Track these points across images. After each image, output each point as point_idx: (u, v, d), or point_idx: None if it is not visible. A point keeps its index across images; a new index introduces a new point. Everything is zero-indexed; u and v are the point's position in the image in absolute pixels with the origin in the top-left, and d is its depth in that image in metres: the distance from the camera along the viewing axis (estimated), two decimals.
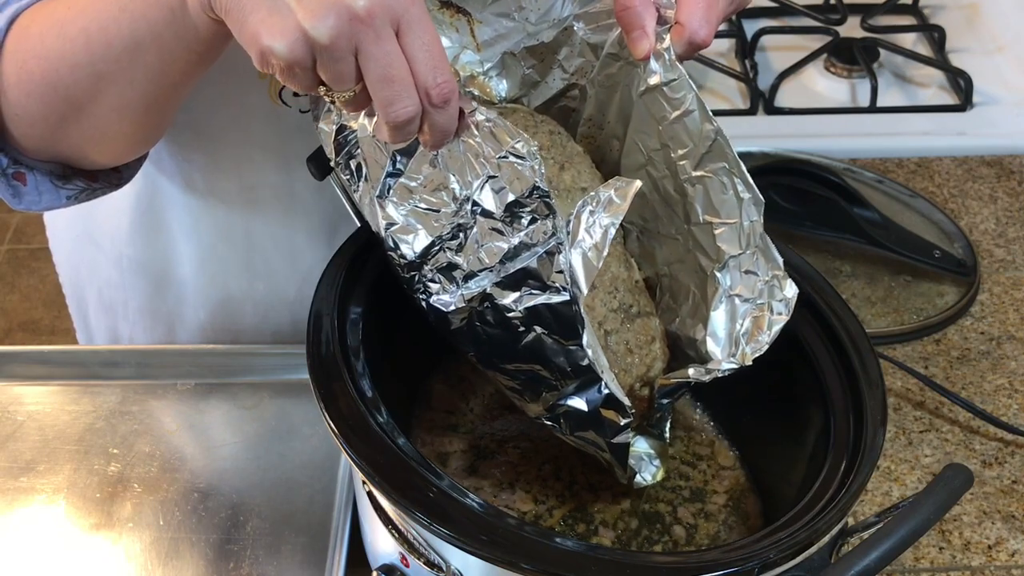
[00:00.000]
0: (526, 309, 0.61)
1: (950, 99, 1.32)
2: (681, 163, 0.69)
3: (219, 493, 0.84)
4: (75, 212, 0.98)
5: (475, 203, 0.61)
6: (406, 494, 0.59)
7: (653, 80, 0.68)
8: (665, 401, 0.71)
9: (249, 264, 0.94)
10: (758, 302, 0.69)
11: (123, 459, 0.86)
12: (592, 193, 0.61)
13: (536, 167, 0.59)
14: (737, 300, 0.69)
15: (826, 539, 0.59)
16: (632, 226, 0.76)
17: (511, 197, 0.60)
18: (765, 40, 1.40)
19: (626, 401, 0.63)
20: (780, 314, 0.68)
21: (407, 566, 0.66)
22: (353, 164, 0.66)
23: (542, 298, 0.60)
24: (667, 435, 0.75)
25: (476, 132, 0.60)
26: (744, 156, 1.18)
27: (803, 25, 1.41)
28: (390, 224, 0.64)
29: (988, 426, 0.92)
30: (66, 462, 0.86)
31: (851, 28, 1.40)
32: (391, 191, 0.64)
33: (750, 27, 1.42)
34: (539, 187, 0.59)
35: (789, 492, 0.70)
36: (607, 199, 0.61)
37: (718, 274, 0.69)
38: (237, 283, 0.96)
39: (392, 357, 0.73)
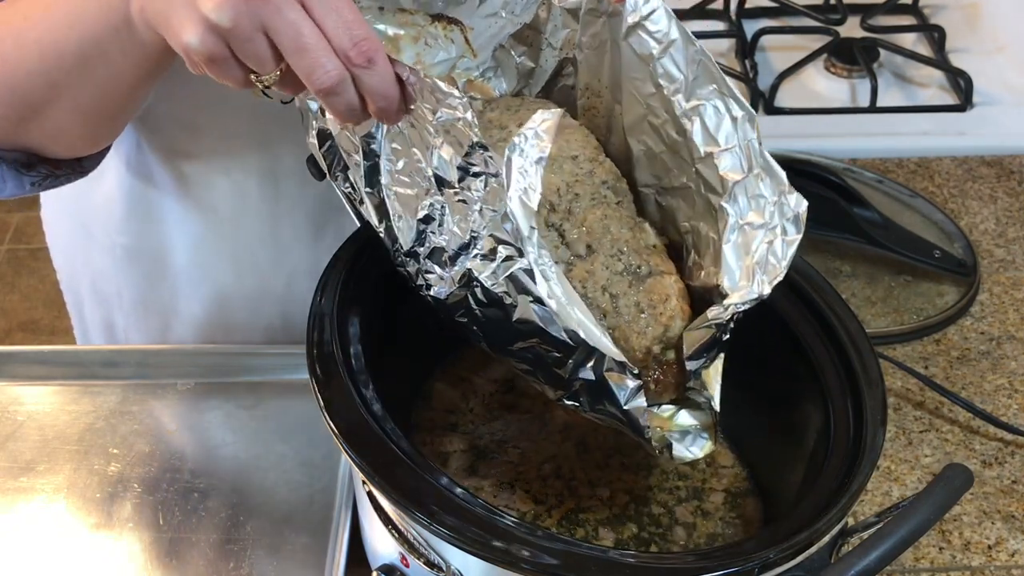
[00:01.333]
0: (507, 279, 0.60)
1: (950, 99, 1.32)
2: (675, 99, 0.68)
3: (219, 493, 0.84)
4: (70, 204, 0.99)
5: (437, 177, 0.60)
6: (406, 494, 0.59)
7: (632, 19, 0.68)
8: (696, 363, 0.66)
9: (237, 258, 0.96)
10: (770, 226, 0.66)
11: (123, 459, 0.86)
12: (518, 135, 0.59)
13: (469, 119, 0.57)
14: (748, 229, 0.66)
15: (826, 539, 0.60)
16: (648, 189, 0.75)
17: (458, 160, 0.59)
18: (765, 40, 1.40)
19: (613, 350, 0.61)
20: (792, 234, 0.66)
21: (407, 566, 0.66)
22: (346, 173, 0.67)
23: (519, 263, 0.59)
24: (716, 405, 0.67)
25: (422, 97, 0.59)
26: None
27: (803, 25, 1.41)
28: (381, 217, 0.64)
29: (988, 426, 0.92)
30: (66, 462, 0.86)
31: (851, 28, 1.40)
32: (375, 183, 0.64)
33: (750, 27, 1.42)
34: (476, 142, 0.58)
35: (789, 492, 0.70)
36: (533, 135, 0.59)
37: (726, 206, 0.67)
38: (227, 277, 0.97)
39: (392, 357, 0.73)
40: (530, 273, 0.59)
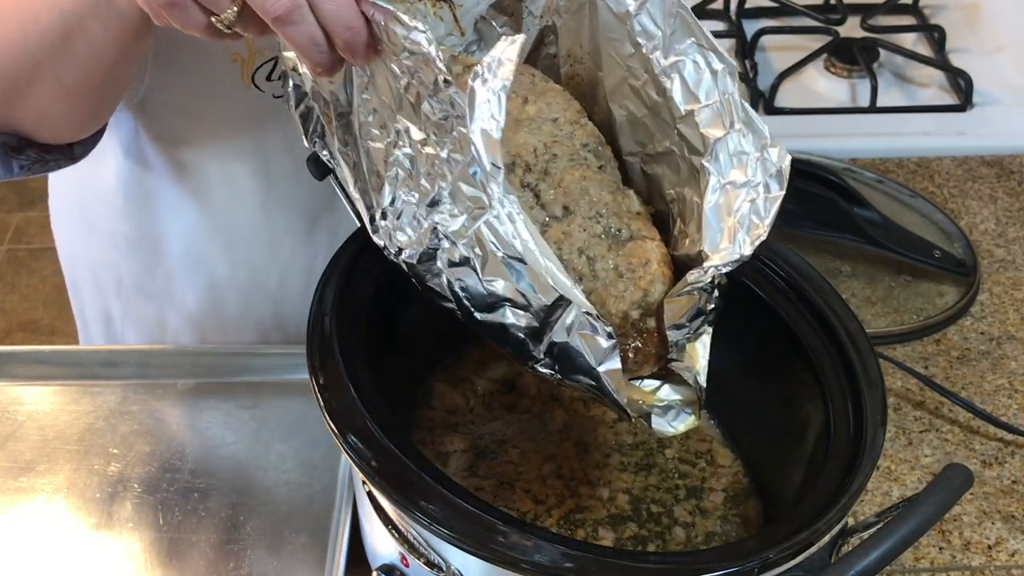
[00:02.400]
0: (474, 233, 0.57)
1: (950, 99, 1.32)
2: (654, 57, 0.66)
3: (219, 493, 0.84)
4: (72, 196, 1.01)
5: (406, 126, 0.59)
6: (406, 494, 0.59)
7: None
8: (678, 334, 0.63)
9: (230, 250, 0.96)
10: (753, 184, 0.63)
11: (123, 459, 0.86)
12: (480, 65, 0.57)
13: (432, 54, 0.55)
14: (731, 188, 0.63)
15: (826, 539, 0.59)
16: (633, 158, 0.72)
17: (426, 105, 0.57)
18: (765, 40, 1.40)
19: (584, 301, 0.58)
20: (775, 191, 0.63)
21: (407, 566, 0.66)
22: (323, 137, 0.65)
23: (487, 214, 0.57)
24: (701, 380, 0.64)
25: (388, 38, 0.57)
26: None
27: (803, 25, 1.42)
28: (356, 178, 0.62)
29: (988, 426, 0.92)
30: (66, 462, 0.86)
31: (851, 28, 1.40)
32: (348, 140, 0.62)
33: (750, 27, 1.42)
34: (442, 79, 0.56)
35: (789, 492, 0.70)
36: (495, 63, 0.57)
37: (708, 165, 0.64)
38: (220, 268, 0.97)
39: (392, 357, 0.73)
40: (498, 220, 0.56)
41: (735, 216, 0.63)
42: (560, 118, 0.69)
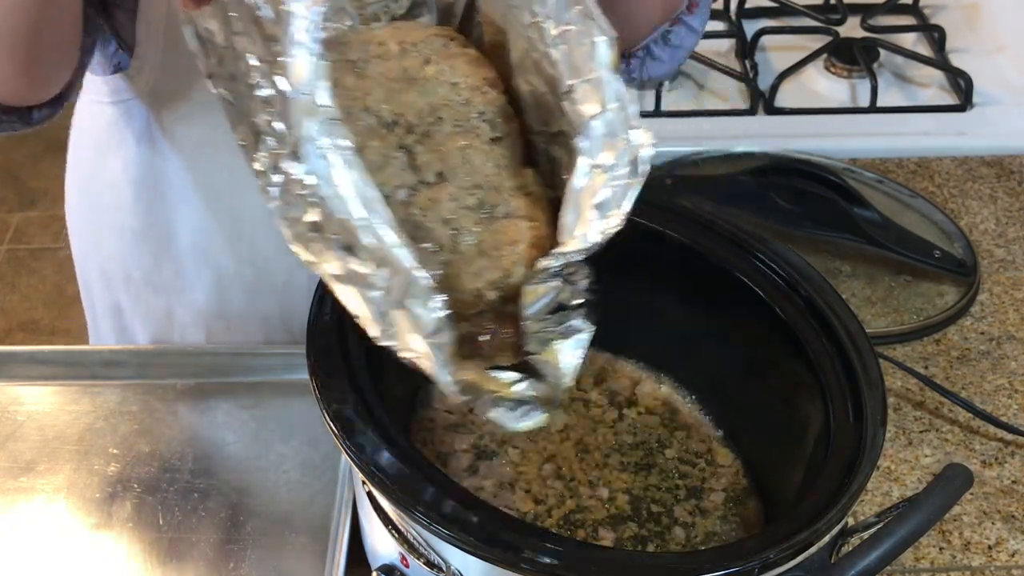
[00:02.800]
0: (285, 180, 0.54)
1: (950, 99, 1.32)
2: (546, 27, 0.61)
3: (219, 493, 0.84)
4: (85, 191, 1.01)
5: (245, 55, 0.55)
6: (406, 494, 0.59)
7: None
8: (538, 326, 0.58)
9: (238, 244, 0.97)
10: (618, 167, 0.58)
11: (123, 459, 0.86)
12: None
13: None
14: (597, 172, 0.58)
15: (826, 539, 0.59)
16: (538, 138, 0.66)
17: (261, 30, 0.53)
18: (765, 40, 1.40)
19: (407, 259, 0.53)
20: (632, 178, 0.57)
21: (407, 566, 0.66)
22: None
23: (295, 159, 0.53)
24: (564, 384, 0.59)
25: None
26: (744, 156, 1.20)
27: (803, 25, 1.41)
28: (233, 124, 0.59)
29: (988, 426, 0.92)
30: (66, 462, 0.86)
31: (851, 28, 1.40)
32: (218, 83, 0.60)
33: (750, 27, 1.42)
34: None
35: (789, 492, 0.70)
36: None
37: (580, 145, 0.58)
38: (227, 263, 0.98)
39: (392, 356, 0.73)
40: (305, 163, 0.52)
41: (595, 200, 0.57)
42: (461, 83, 0.65)
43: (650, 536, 0.73)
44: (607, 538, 0.72)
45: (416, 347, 0.55)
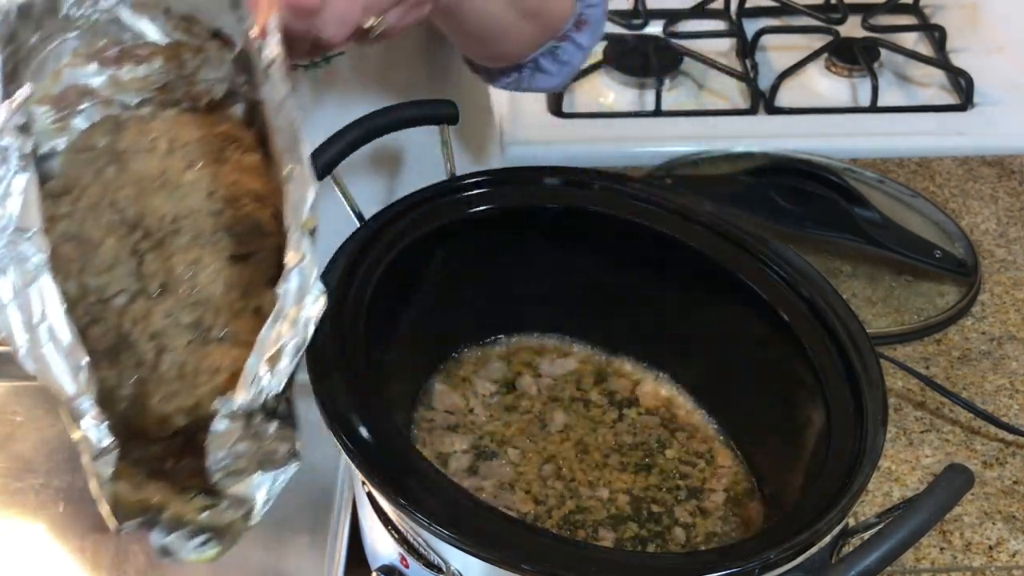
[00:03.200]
0: None
1: (951, 99, 1.32)
2: (285, 166, 0.58)
3: None
4: None
5: None
6: (406, 494, 0.59)
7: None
8: (215, 459, 0.54)
9: None
10: (299, 325, 0.53)
11: None
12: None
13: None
14: (285, 323, 0.54)
15: (827, 540, 0.59)
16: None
17: None
18: (765, 40, 1.40)
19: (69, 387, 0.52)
20: (295, 335, 0.53)
21: (407, 566, 0.66)
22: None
23: None
24: (250, 521, 0.58)
25: None
26: (744, 156, 1.20)
27: (803, 25, 1.41)
28: None
29: (989, 426, 0.92)
30: (65, 463, 0.86)
31: (852, 28, 1.40)
32: None
33: (750, 27, 1.42)
34: None
35: (789, 492, 0.70)
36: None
37: (278, 292, 0.54)
38: None
39: (392, 357, 0.73)
40: None
41: (269, 353, 0.53)
42: (218, 193, 0.61)
43: (650, 536, 0.73)
44: (607, 538, 0.72)
45: (84, 462, 0.55)
